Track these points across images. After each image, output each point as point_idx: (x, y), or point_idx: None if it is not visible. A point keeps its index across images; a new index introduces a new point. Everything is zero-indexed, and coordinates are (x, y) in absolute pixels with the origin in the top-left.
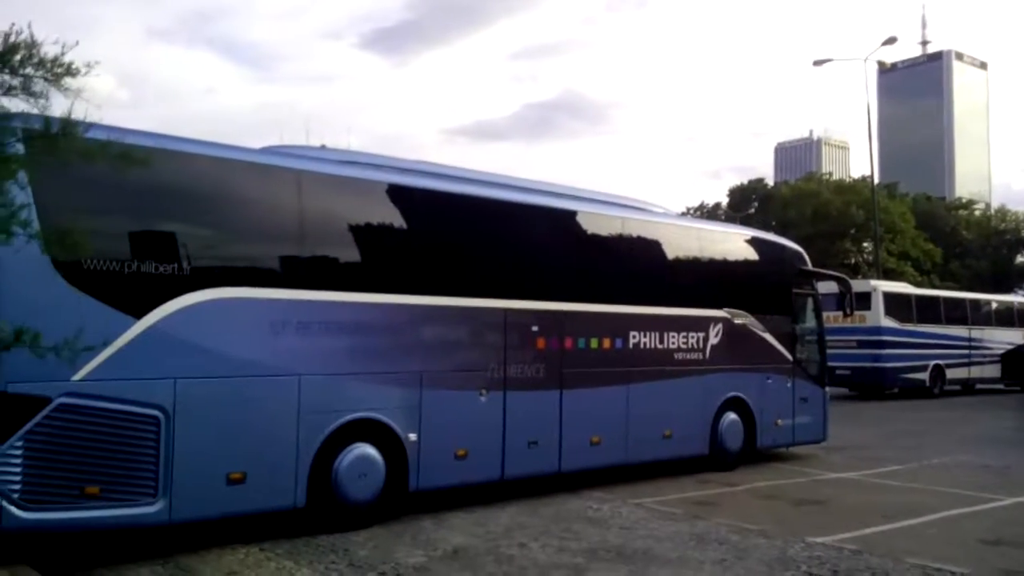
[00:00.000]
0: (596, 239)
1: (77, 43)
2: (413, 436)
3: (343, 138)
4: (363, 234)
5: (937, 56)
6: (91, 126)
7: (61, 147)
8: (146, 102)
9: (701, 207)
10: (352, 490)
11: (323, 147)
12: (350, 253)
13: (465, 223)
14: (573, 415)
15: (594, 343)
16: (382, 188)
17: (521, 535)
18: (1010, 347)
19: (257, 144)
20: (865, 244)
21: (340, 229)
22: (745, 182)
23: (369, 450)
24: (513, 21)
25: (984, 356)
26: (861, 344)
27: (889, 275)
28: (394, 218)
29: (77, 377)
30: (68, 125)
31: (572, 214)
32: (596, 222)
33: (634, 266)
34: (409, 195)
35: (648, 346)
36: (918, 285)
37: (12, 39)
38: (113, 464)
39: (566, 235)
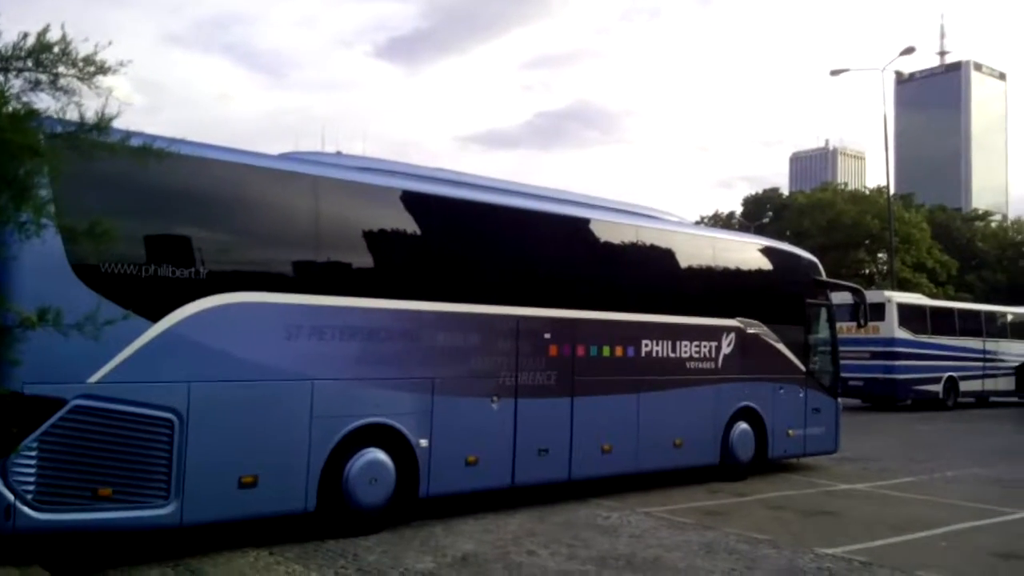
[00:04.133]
0: (609, 247)
1: (110, 43)
2: (424, 442)
3: (358, 145)
4: (378, 240)
5: (955, 66)
6: (127, 134)
7: (85, 144)
8: (162, 107)
9: (715, 216)
10: (363, 495)
11: (339, 153)
12: (365, 259)
13: (479, 230)
14: (584, 423)
15: (606, 351)
16: (397, 195)
17: (530, 542)
18: None
19: (272, 150)
20: (880, 254)
21: (355, 235)
22: (759, 191)
23: (380, 455)
24: (526, 30)
25: (998, 369)
26: (874, 355)
27: (904, 286)
28: (408, 224)
29: (93, 379)
30: (103, 121)
31: (586, 222)
32: (610, 230)
33: (647, 274)
34: (424, 202)
35: (660, 354)
36: (933, 296)
37: (44, 38)
38: (126, 466)
39: (579, 243)
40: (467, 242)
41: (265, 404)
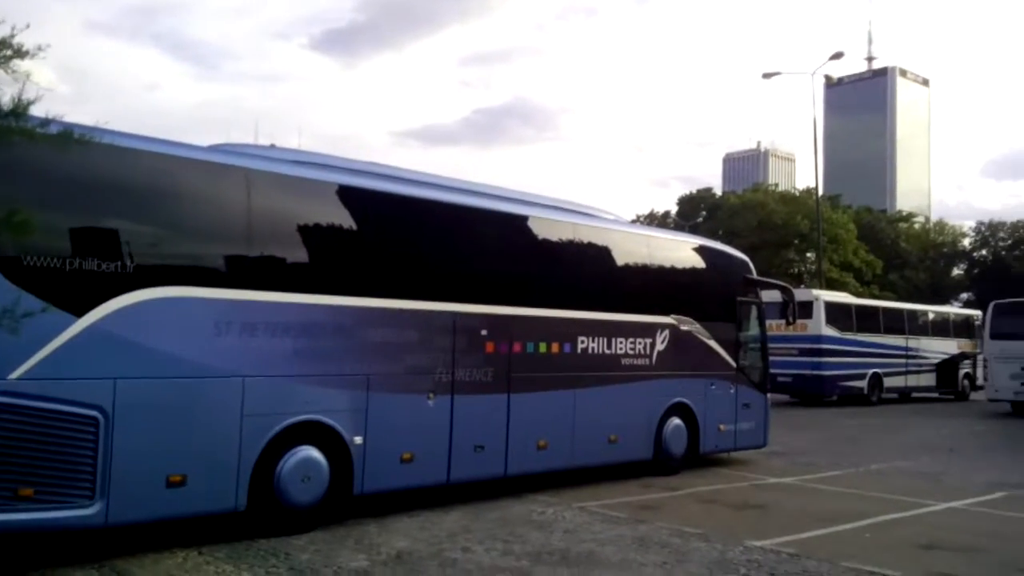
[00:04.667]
0: (547, 244)
1: (28, 26)
2: (359, 439)
3: (293, 138)
4: (311, 235)
5: (882, 72)
6: (45, 121)
7: (4, 129)
8: (88, 97)
9: (651, 215)
10: (295, 493)
11: (272, 146)
12: (298, 254)
13: (415, 226)
14: (520, 419)
15: (543, 348)
16: (332, 189)
17: (465, 539)
18: (945, 357)
19: (203, 142)
20: (809, 254)
21: (288, 229)
22: (694, 191)
23: (313, 453)
24: (465, 27)
25: (920, 366)
26: (802, 352)
27: (831, 285)
28: (343, 219)
29: (14, 376)
30: (19, 106)
31: (523, 219)
32: (547, 227)
33: (584, 272)
34: (359, 196)
35: (596, 351)
36: (858, 295)
37: None
38: (49, 465)
39: (517, 240)
40: (403, 238)
41: (194, 401)
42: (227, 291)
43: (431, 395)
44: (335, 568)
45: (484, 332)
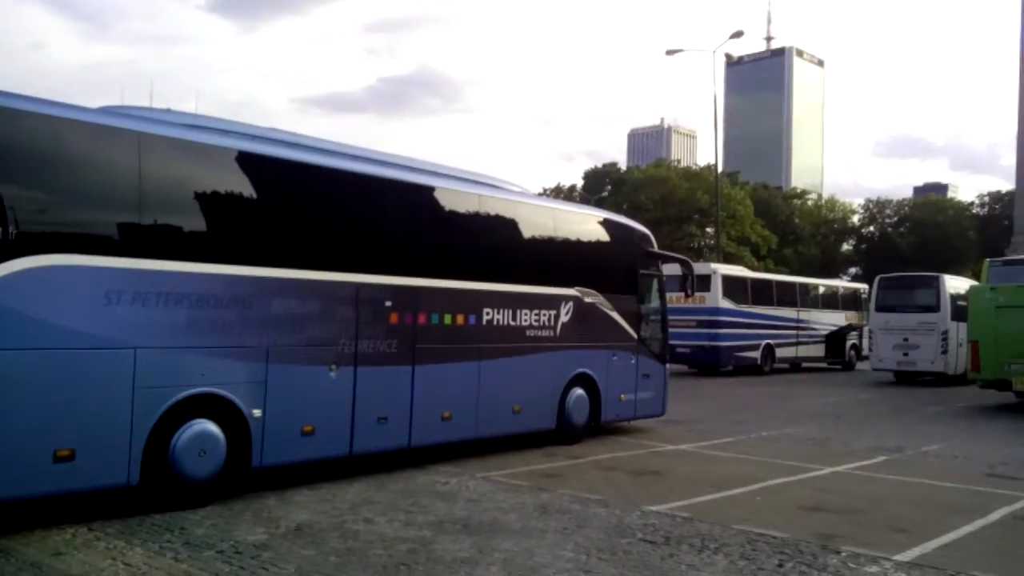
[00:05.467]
0: (452, 215)
1: None
2: (257, 412)
3: (190, 103)
4: (208, 202)
5: (780, 52)
6: None
7: None
8: None
9: (557, 188)
10: (190, 467)
11: (168, 110)
12: (194, 221)
13: (318, 195)
14: (425, 391)
15: (448, 319)
16: (230, 155)
17: (368, 510)
18: (833, 328)
19: (95, 104)
20: (708, 229)
21: (183, 196)
22: (599, 165)
23: (210, 426)
24: None
25: (811, 337)
26: (700, 324)
27: (729, 259)
28: (242, 187)
29: None
30: None
31: (429, 189)
32: (453, 198)
33: (490, 243)
34: (259, 163)
35: (501, 323)
36: (755, 269)
37: None
38: None
39: (422, 210)
40: (305, 207)
41: (83, 374)
42: (118, 260)
43: (333, 367)
44: (232, 542)
45: (388, 303)
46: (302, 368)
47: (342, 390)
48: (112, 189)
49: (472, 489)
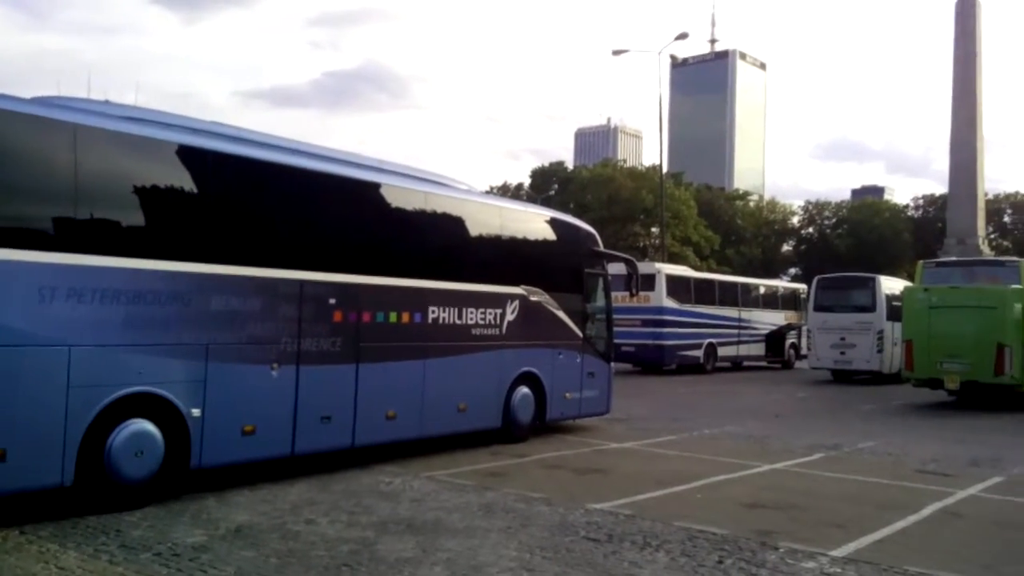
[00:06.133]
0: (399, 212)
1: None
2: (196, 411)
3: (130, 95)
4: (146, 197)
5: (724, 55)
6: None
7: None
8: None
9: (504, 186)
10: (127, 468)
11: (107, 102)
12: (131, 216)
13: (260, 190)
14: (369, 389)
15: (393, 317)
16: (170, 148)
17: (309, 511)
18: (774, 328)
19: (31, 95)
20: (653, 229)
21: (121, 190)
22: (546, 164)
23: (147, 426)
24: None
25: (752, 336)
26: (645, 323)
27: (673, 258)
28: (182, 181)
29: None
30: None
31: (375, 186)
32: (399, 195)
33: (436, 241)
34: (200, 157)
35: (447, 321)
36: (698, 269)
37: None
38: None
39: (368, 207)
40: (247, 202)
41: (14, 372)
42: (52, 255)
43: (275, 365)
44: (170, 544)
45: (332, 301)
46: (243, 367)
47: (284, 389)
48: (47, 182)
49: (416, 489)
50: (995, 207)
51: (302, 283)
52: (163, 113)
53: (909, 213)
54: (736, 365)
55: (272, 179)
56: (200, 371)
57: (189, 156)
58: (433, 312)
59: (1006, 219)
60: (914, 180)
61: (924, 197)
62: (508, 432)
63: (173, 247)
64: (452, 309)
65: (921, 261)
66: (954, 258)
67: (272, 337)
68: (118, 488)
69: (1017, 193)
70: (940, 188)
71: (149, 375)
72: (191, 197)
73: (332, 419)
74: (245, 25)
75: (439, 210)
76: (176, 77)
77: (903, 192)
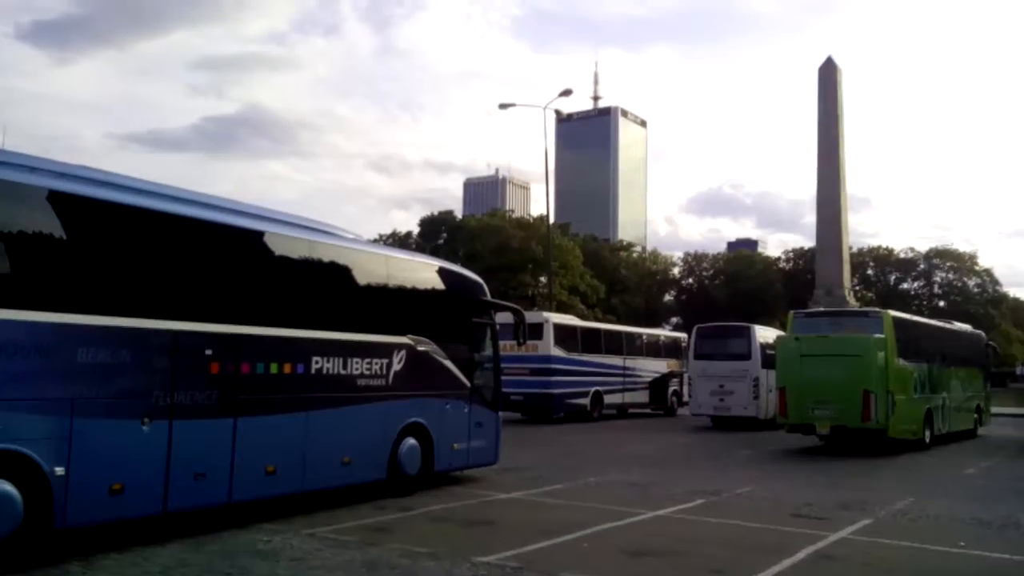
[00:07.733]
0: (281, 261)
1: None
2: (60, 470)
3: None
4: (8, 243)
5: (606, 111)
6: None
7: None
8: None
9: (393, 235)
10: None
11: None
12: None
13: (131, 237)
14: (247, 444)
15: (274, 368)
16: (37, 193)
17: (181, 574)
18: (656, 376)
19: None
20: (542, 278)
21: None
22: (435, 213)
23: (4, 485)
24: (195, 32)
25: (636, 383)
26: (533, 372)
27: (561, 307)
28: (47, 227)
29: None
30: None
31: (256, 234)
32: (281, 243)
33: (320, 290)
34: (65, 202)
35: (331, 371)
36: (584, 317)
37: None
38: None
39: (248, 255)
40: (116, 249)
41: None
42: None
43: (146, 420)
44: None
45: (208, 352)
46: (111, 422)
47: (155, 445)
48: None
49: (296, 547)
50: (859, 260)
51: (176, 334)
52: (28, 156)
53: (781, 265)
54: (622, 412)
55: (143, 225)
56: (64, 427)
57: (54, 201)
58: (316, 362)
59: (869, 272)
60: (784, 234)
61: (794, 250)
62: (395, 485)
63: (36, 296)
64: (336, 359)
65: (792, 311)
66: (823, 308)
67: (143, 390)
68: None
69: (879, 247)
70: (809, 242)
71: (9, 432)
72: (56, 243)
73: (207, 475)
74: (120, 67)
75: (323, 259)
76: (46, 119)
77: (774, 245)
